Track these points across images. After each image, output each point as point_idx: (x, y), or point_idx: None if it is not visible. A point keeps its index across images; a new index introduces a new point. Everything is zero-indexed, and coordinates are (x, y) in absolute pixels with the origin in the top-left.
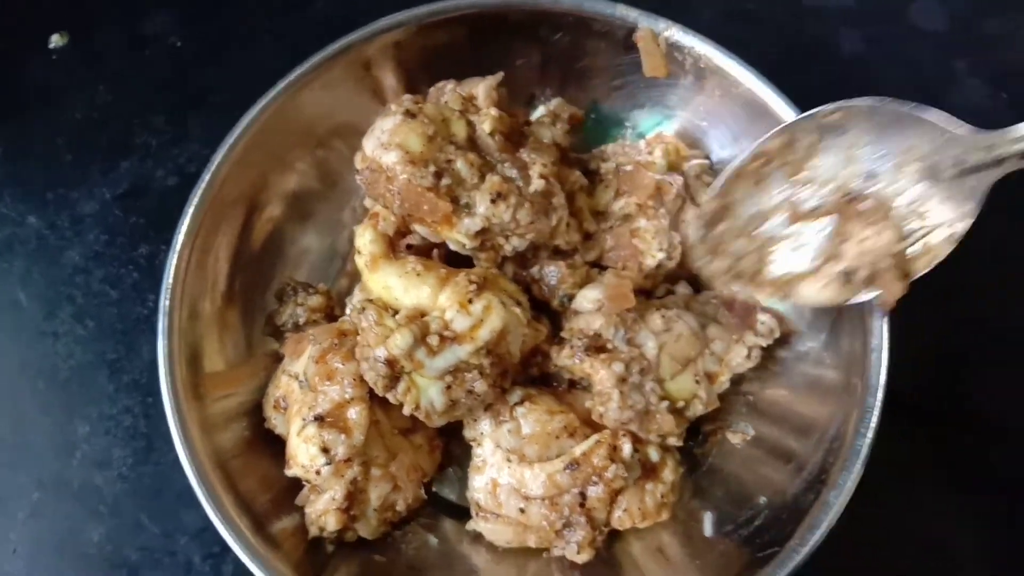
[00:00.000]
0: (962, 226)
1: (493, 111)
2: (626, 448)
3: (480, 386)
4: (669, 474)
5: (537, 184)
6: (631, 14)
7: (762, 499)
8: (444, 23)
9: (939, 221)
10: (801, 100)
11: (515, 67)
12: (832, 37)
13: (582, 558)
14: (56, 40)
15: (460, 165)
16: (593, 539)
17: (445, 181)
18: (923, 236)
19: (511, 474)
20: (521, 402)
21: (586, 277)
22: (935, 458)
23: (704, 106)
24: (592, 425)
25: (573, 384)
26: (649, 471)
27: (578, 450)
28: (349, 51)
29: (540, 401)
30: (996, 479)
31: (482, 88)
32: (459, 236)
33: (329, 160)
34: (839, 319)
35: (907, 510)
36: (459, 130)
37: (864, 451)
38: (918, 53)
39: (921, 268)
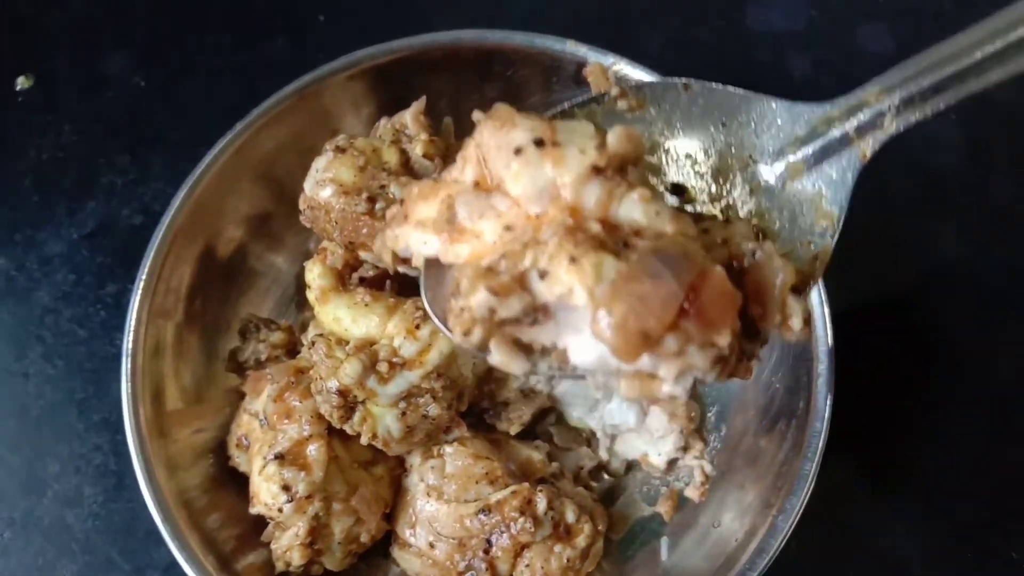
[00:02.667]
0: (829, 235)
1: (423, 135)
2: (540, 504)
3: (434, 410)
4: (583, 540)
5: None
6: (580, 49)
7: (714, 524)
8: (397, 62)
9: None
10: None
11: (470, 101)
12: (781, 61)
13: None
14: (22, 82)
15: (393, 188)
16: None
17: (380, 205)
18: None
19: (428, 509)
20: (451, 442)
21: None
22: (877, 473)
23: None
24: (515, 479)
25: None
26: (563, 532)
27: (494, 497)
28: (305, 90)
29: (470, 444)
30: (934, 486)
31: (409, 115)
32: None
33: (291, 193)
34: (785, 344)
35: (853, 525)
36: (391, 157)
37: (811, 475)
38: (867, 75)
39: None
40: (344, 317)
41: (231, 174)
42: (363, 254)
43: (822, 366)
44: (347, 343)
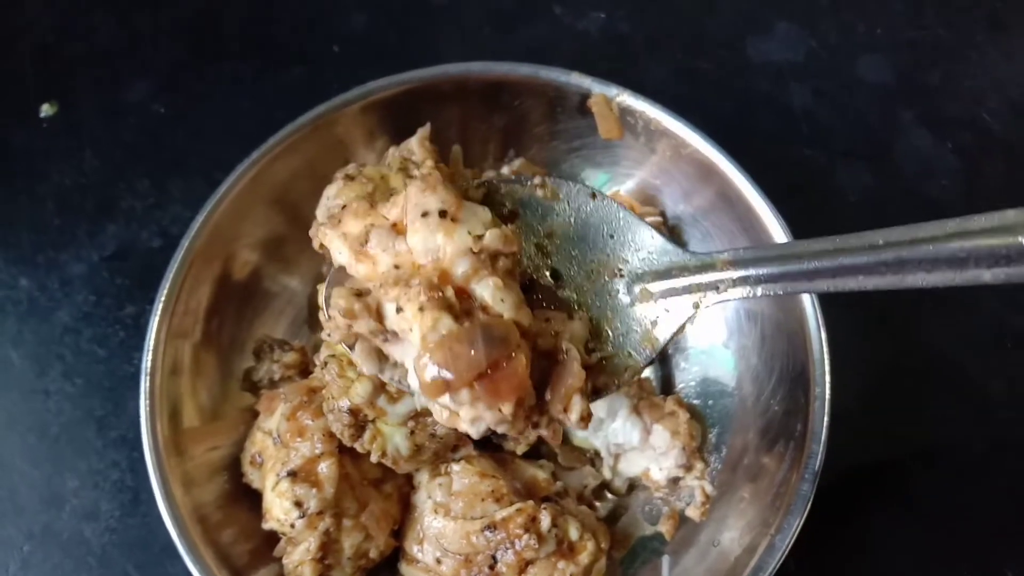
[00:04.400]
0: (645, 357)
1: (429, 161)
2: (544, 521)
3: (442, 429)
4: (585, 557)
5: None
6: (585, 81)
7: (714, 543)
8: (408, 92)
9: (630, 341)
10: (753, 154)
11: (479, 130)
12: (782, 92)
13: None
14: (46, 109)
15: None
16: None
17: None
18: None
19: (436, 525)
20: (458, 460)
21: None
22: (873, 492)
23: (657, 165)
24: (521, 497)
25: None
26: (566, 550)
27: (499, 515)
28: (320, 120)
29: (476, 463)
30: (930, 505)
31: (415, 142)
32: None
33: (305, 218)
34: (784, 368)
35: (850, 544)
36: (398, 184)
37: (809, 495)
38: (865, 105)
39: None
40: None
41: (247, 199)
42: None
43: (819, 389)
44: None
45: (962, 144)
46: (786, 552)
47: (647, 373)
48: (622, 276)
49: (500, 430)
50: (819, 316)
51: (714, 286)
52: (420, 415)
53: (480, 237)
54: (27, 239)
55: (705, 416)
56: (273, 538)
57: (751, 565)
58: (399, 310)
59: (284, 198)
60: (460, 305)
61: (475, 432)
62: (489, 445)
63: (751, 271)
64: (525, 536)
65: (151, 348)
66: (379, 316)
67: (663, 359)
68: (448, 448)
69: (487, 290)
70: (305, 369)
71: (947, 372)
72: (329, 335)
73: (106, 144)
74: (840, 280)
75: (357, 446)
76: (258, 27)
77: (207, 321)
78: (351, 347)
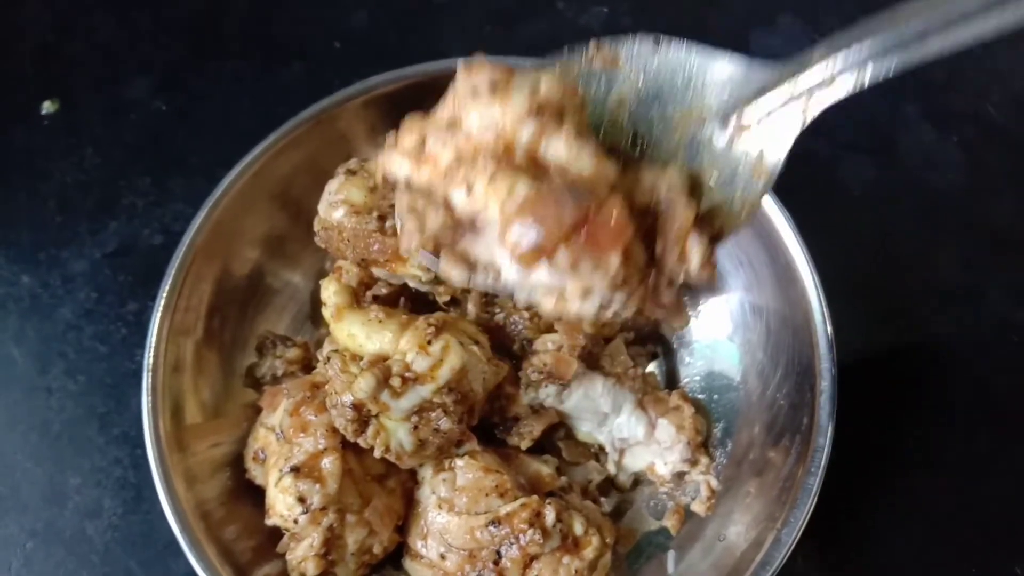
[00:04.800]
0: (761, 188)
1: None
2: (549, 516)
3: (446, 424)
4: (590, 552)
5: None
6: None
7: (719, 538)
8: (410, 87)
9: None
10: None
11: None
12: None
13: None
14: (47, 106)
15: None
16: None
17: (390, 223)
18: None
19: (439, 520)
20: (462, 455)
21: (548, 327)
22: (880, 488)
23: None
24: (525, 492)
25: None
26: (571, 545)
27: (503, 510)
28: (321, 115)
29: (480, 458)
30: (937, 502)
31: None
32: (413, 270)
33: (307, 214)
34: (789, 362)
35: (857, 540)
36: None
37: (815, 489)
38: (869, 98)
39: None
40: (358, 333)
41: (249, 196)
42: (376, 271)
43: (825, 383)
44: (361, 359)
45: (966, 137)
46: (792, 546)
47: (651, 368)
48: (711, 119)
49: (616, 303)
50: (824, 309)
51: (816, 86)
52: (424, 410)
53: (536, 91)
54: (28, 237)
55: (710, 410)
56: (276, 534)
57: (757, 560)
58: (468, 191)
59: (286, 194)
60: (535, 171)
61: (590, 309)
62: (493, 441)
63: (853, 54)
64: (529, 531)
65: (153, 345)
66: (448, 208)
67: (668, 353)
68: (452, 443)
69: (559, 146)
70: (308, 365)
71: (950, 369)
72: (407, 250)
73: (107, 142)
74: (954, 33)
75: (360, 441)
76: (258, 25)
77: (209, 317)
78: (435, 255)
